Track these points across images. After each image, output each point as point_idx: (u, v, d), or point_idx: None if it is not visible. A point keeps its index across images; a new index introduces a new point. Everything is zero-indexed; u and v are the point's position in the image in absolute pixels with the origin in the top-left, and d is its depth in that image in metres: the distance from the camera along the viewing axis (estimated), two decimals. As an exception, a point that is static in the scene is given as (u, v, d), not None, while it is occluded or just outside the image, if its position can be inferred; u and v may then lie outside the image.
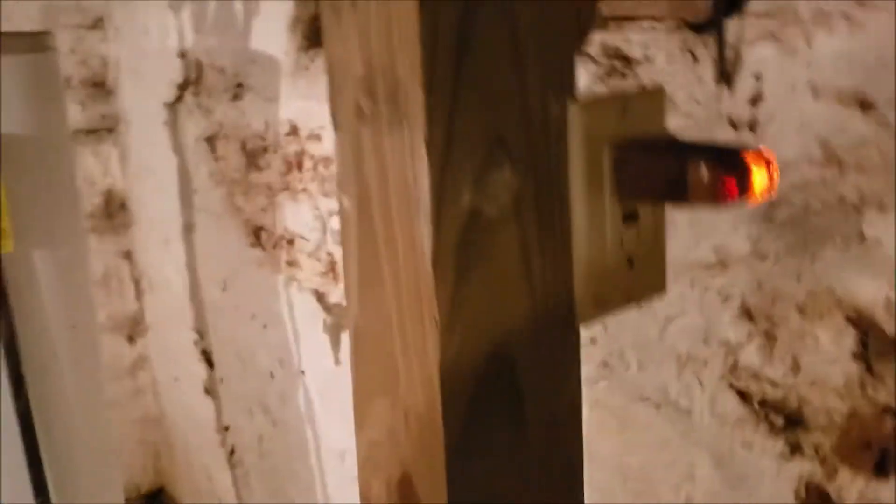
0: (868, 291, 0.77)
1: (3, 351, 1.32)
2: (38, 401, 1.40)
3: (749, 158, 0.42)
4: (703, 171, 0.42)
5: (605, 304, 0.50)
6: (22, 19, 2.49)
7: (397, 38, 0.42)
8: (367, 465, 0.52)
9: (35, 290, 1.40)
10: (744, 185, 0.42)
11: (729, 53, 0.84)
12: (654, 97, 0.50)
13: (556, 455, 0.50)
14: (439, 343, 0.44)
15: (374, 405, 0.50)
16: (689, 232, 0.89)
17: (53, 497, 1.39)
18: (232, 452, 2.10)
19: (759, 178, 0.42)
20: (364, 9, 0.44)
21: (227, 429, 2.10)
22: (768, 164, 0.43)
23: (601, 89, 0.94)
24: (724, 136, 0.85)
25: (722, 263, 0.87)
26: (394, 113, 0.44)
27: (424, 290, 0.44)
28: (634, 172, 0.46)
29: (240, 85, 1.62)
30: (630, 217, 0.49)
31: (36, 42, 1.44)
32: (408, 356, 0.47)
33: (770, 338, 0.84)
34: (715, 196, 0.42)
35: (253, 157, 1.60)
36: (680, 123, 0.88)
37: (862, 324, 0.77)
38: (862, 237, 0.78)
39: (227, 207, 1.75)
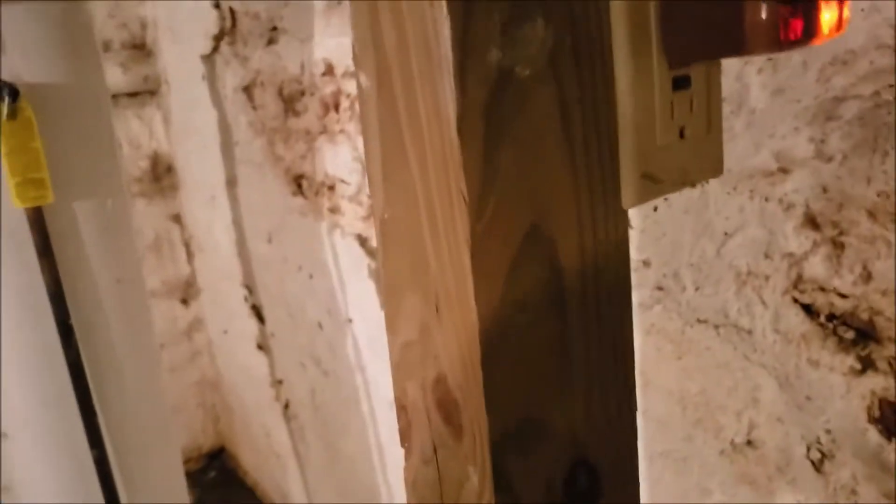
0: (947, 187, 0.71)
1: (50, 301, 1.32)
2: (88, 352, 1.40)
3: (816, -9, 0.37)
4: (763, 10, 0.37)
5: (654, 180, 0.45)
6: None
7: None
8: (400, 369, 0.48)
9: (78, 242, 1.39)
10: (810, 22, 0.37)
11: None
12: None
13: (602, 343, 0.46)
14: (468, 218, 0.40)
15: (405, 303, 0.46)
16: (746, 138, 0.83)
17: (110, 450, 1.39)
18: (286, 406, 2.09)
19: (827, 14, 0.37)
20: None
21: (280, 383, 2.09)
22: (837, -2, 0.37)
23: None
24: (782, 29, 0.78)
25: (783, 170, 0.81)
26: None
27: (451, 162, 0.40)
28: (684, 23, 0.41)
29: (274, 28, 1.59)
30: (681, 82, 0.44)
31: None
32: (437, 239, 0.42)
33: (837, 245, 0.78)
34: (776, 38, 0.37)
35: (290, 102, 1.56)
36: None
37: (941, 222, 0.71)
38: (939, 129, 0.71)
39: (268, 157, 1.72)
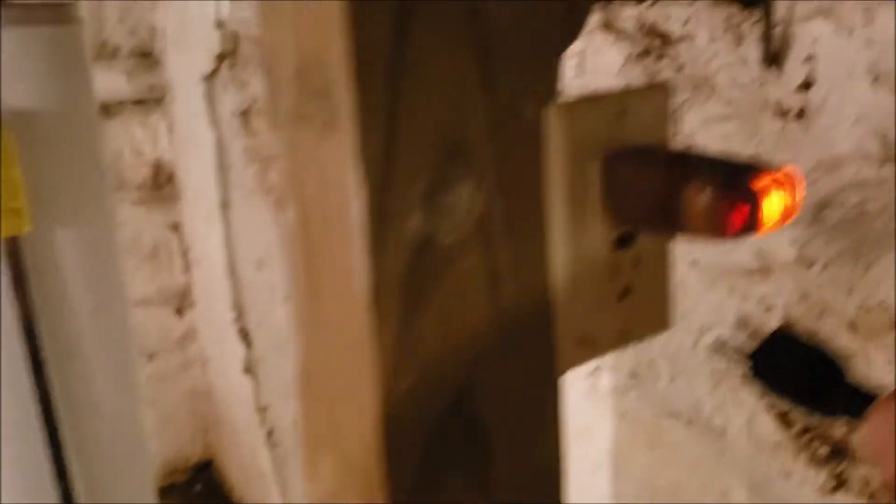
0: (930, 309, 0.68)
1: (22, 334, 1.30)
2: (62, 385, 1.38)
3: (761, 182, 0.33)
4: (703, 197, 0.34)
5: (592, 343, 0.42)
6: (71, -12, 2.47)
7: (326, 20, 0.34)
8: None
9: (56, 271, 1.36)
10: (752, 215, 0.33)
11: (777, 32, 0.74)
12: (657, 96, 0.42)
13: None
14: (381, 395, 0.37)
15: (320, 461, 0.43)
16: (728, 232, 0.79)
17: (80, 492, 1.36)
18: (270, 433, 2.07)
19: (771, 206, 0.34)
20: (296, -9, 0.36)
21: (265, 409, 2.07)
22: (789, 187, 0.34)
23: (635, 72, 0.85)
24: (769, 127, 0.75)
25: (764, 270, 0.78)
26: (328, 113, 0.36)
27: (364, 332, 0.37)
28: (625, 191, 0.38)
29: (272, 59, 1.56)
30: (625, 240, 0.41)
31: (58, 13, 1.39)
32: (351, 407, 0.39)
33: (815, 356, 0.74)
34: (715, 228, 0.34)
35: (283, 134, 1.53)
36: (720, 112, 0.79)
37: (921, 347, 0.67)
38: (925, 246, 0.68)
39: (260, 185, 1.70)
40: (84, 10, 2.29)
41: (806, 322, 0.75)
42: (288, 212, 0.42)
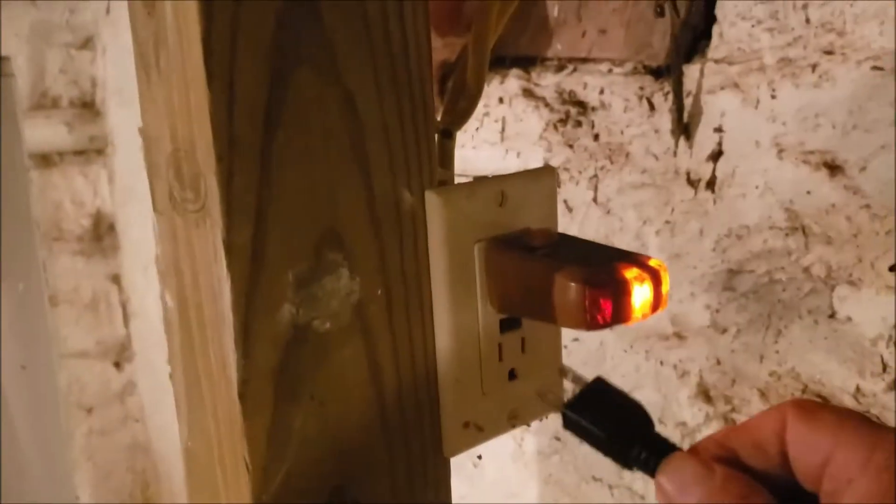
0: (836, 377, 0.68)
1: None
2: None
3: (628, 274, 0.34)
4: (570, 289, 0.34)
5: (479, 428, 0.42)
6: (12, 39, 2.45)
7: (195, 111, 0.34)
8: None
9: (-22, 330, 1.33)
10: (620, 306, 0.34)
11: (688, 103, 0.76)
12: (541, 180, 0.42)
13: None
14: (251, 488, 0.36)
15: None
16: (645, 298, 0.80)
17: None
18: (206, 490, 2.02)
19: (639, 298, 0.34)
20: (167, 71, 0.36)
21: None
22: (654, 278, 0.34)
23: (555, 138, 0.86)
24: (681, 195, 0.76)
25: (679, 335, 0.79)
26: (198, 203, 0.36)
27: (236, 426, 0.36)
28: (503, 278, 0.38)
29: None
30: (511, 323, 0.41)
31: (-13, 68, 1.37)
32: (229, 493, 0.39)
33: (729, 422, 0.75)
34: (585, 318, 0.34)
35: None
36: (635, 179, 0.80)
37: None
38: (832, 314, 0.69)
39: (196, 240, 1.68)
40: (25, 59, 2.27)
41: (720, 387, 0.76)
42: (166, 295, 0.41)
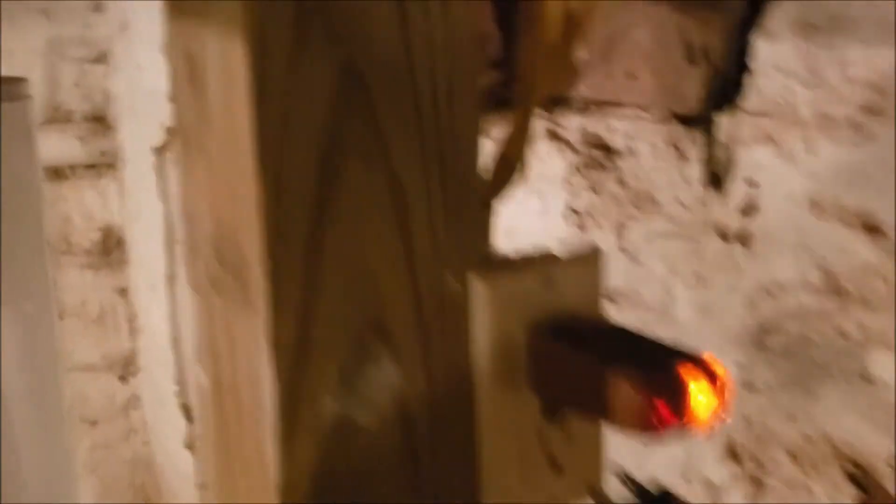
0: (870, 443, 0.67)
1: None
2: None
3: (688, 375, 0.32)
4: (625, 391, 0.32)
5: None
6: (28, 54, 2.45)
7: (241, 199, 0.33)
8: None
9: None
10: (679, 412, 0.32)
11: (720, 153, 0.75)
12: (587, 263, 0.41)
13: None
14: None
15: None
16: (671, 350, 0.79)
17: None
18: (210, 512, 2.00)
19: (701, 402, 0.32)
20: (211, 151, 0.35)
21: (206, 487, 2.01)
22: (715, 379, 0.33)
23: (579, 182, 0.85)
24: (712, 247, 0.75)
25: (707, 390, 0.77)
26: (241, 290, 0.34)
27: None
28: (549, 368, 0.37)
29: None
30: (555, 412, 0.40)
31: (8, 91, 1.36)
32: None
33: (757, 484, 0.73)
34: (641, 423, 0.32)
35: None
36: (663, 229, 0.78)
37: (863, 482, 0.66)
38: (867, 378, 0.67)
39: (207, 263, 1.67)
40: (38, 72, 2.27)
41: (749, 447, 0.74)
42: (201, 373, 0.40)
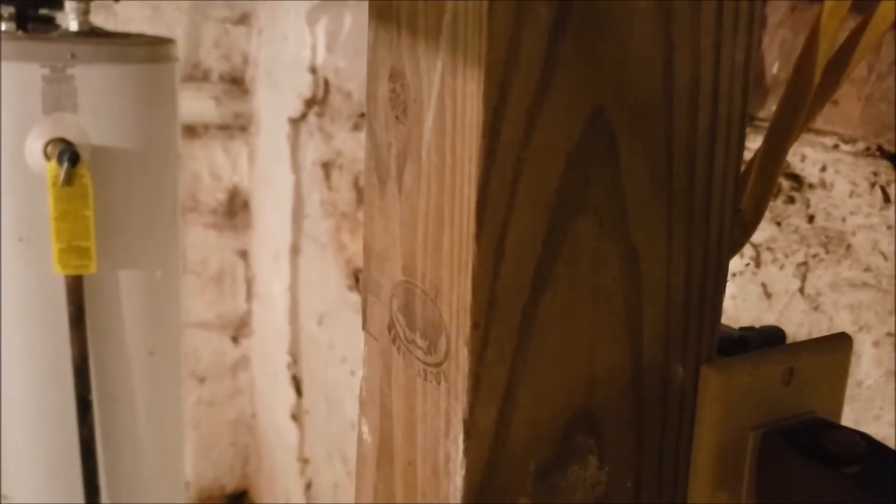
0: None
1: (74, 374, 1.26)
2: (106, 428, 1.34)
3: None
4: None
5: None
6: (173, 11, 2.48)
7: (448, 255, 0.27)
8: None
9: (115, 313, 1.33)
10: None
11: (934, 201, 0.66)
12: (835, 351, 0.34)
13: None
14: None
15: None
16: (845, 412, 0.70)
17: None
18: (309, 486, 2.00)
19: None
20: (413, 191, 0.29)
21: (307, 461, 2.01)
22: None
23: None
24: (912, 306, 0.66)
25: None
26: (432, 356, 0.29)
27: None
28: (783, 485, 0.30)
29: (363, 115, 1.51)
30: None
31: (155, 52, 1.35)
32: None
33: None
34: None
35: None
36: (855, 276, 0.70)
37: None
38: None
39: (332, 241, 1.64)
40: (181, 30, 2.28)
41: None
42: (364, 426, 0.35)
